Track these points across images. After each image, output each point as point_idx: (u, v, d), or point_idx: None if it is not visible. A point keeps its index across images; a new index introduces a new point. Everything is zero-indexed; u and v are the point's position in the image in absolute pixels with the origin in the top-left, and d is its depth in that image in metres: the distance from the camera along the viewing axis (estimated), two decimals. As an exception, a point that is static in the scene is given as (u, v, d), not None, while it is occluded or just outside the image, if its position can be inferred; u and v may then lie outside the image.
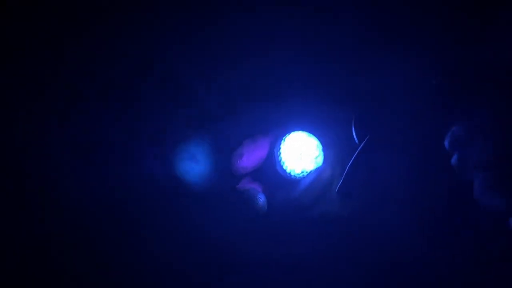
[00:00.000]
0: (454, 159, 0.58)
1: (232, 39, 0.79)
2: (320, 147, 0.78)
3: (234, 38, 0.79)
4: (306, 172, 0.78)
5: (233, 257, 0.76)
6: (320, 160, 0.78)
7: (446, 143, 0.59)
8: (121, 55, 0.78)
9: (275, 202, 0.78)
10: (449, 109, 0.59)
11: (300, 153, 0.77)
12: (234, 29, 0.78)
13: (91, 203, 0.76)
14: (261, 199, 0.77)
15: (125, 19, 0.76)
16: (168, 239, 0.77)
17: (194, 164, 0.80)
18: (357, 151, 0.70)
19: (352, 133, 0.72)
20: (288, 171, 0.78)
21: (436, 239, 0.68)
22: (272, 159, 0.80)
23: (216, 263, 0.76)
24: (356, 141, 0.72)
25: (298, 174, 0.78)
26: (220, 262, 0.76)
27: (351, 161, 0.71)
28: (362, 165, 0.71)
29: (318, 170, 0.77)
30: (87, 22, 0.76)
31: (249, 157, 0.80)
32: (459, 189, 0.61)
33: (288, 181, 0.79)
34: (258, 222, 0.77)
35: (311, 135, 0.79)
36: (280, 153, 0.78)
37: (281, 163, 0.78)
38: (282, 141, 0.79)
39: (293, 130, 0.80)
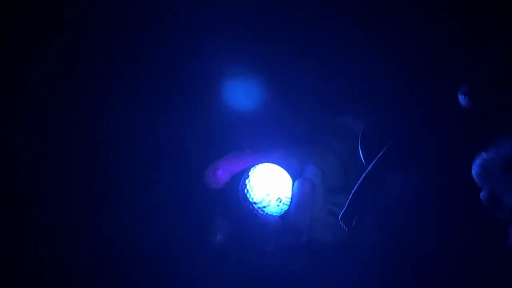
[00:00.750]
0: (484, 195, 0.46)
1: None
2: (288, 198, 0.65)
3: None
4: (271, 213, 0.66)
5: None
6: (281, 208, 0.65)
7: (474, 172, 0.47)
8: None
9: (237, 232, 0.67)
10: (480, 130, 0.47)
11: (267, 193, 0.65)
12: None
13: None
14: (218, 237, 0.66)
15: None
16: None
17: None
18: (365, 173, 0.57)
19: (359, 153, 0.60)
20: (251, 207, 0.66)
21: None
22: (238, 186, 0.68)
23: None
24: (364, 161, 0.59)
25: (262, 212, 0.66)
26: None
27: (357, 185, 0.57)
28: (369, 190, 0.57)
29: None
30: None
31: (225, 172, 0.70)
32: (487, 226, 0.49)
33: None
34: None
35: (283, 170, 0.67)
36: (246, 188, 0.66)
37: (247, 197, 0.66)
38: (249, 175, 0.67)
39: (264, 161, 0.68)
